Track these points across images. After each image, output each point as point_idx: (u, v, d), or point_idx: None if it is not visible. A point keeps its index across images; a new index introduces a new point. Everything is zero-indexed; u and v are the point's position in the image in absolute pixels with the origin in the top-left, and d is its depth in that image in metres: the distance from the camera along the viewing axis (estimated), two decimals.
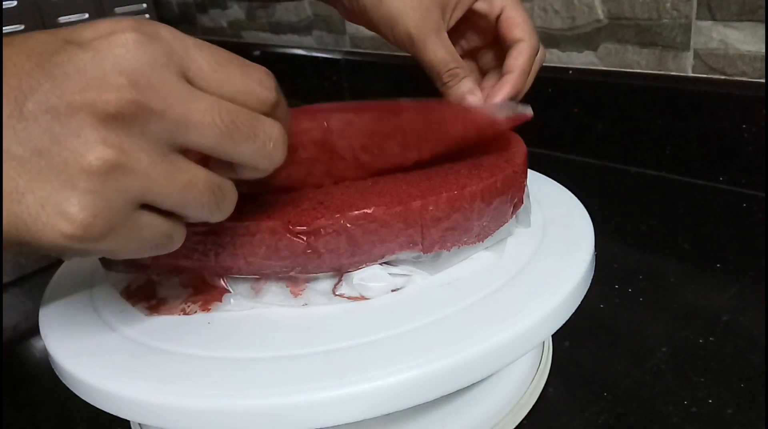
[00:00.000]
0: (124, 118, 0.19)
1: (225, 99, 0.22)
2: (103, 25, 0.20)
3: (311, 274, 0.29)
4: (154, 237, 0.22)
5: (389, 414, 0.25)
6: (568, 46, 0.70)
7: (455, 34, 0.41)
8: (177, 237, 0.23)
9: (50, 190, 0.19)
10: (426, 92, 0.42)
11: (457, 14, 0.38)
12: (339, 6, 0.41)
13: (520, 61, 0.37)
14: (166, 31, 0.21)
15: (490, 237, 0.31)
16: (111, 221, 0.20)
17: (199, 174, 0.22)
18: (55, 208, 0.19)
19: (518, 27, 0.37)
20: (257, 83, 0.23)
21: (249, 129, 0.22)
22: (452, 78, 0.37)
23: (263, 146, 0.22)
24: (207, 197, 0.22)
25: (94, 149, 0.19)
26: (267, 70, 0.23)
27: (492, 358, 0.25)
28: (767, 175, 0.56)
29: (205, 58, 0.22)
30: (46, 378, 0.42)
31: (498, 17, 0.38)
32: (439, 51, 0.36)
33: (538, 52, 0.38)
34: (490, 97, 0.36)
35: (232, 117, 0.21)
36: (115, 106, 0.19)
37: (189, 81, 0.21)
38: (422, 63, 0.37)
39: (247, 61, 0.23)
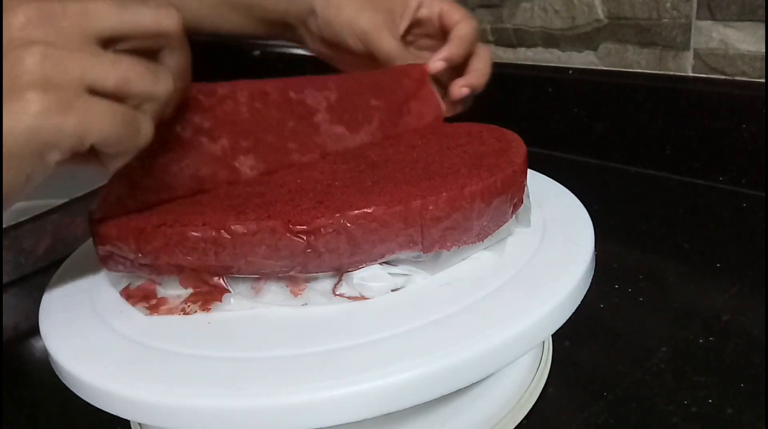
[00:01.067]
0: (34, 21, 0.23)
1: None
2: None
3: (311, 274, 0.29)
4: (116, 114, 0.24)
5: (389, 414, 0.25)
6: (568, 46, 0.70)
7: (411, 46, 0.47)
8: (143, 122, 0.26)
9: (5, 95, 0.23)
10: None
11: (405, 22, 0.45)
12: (306, 37, 0.49)
13: (459, 33, 0.44)
14: None
15: (490, 237, 0.31)
16: (64, 96, 0.23)
17: (123, 56, 0.25)
18: (14, 103, 0.23)
19: (456, 13, 0.44)
20: None
21: (137, 1, 0.26)
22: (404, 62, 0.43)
23: (157, 8, 0.26)
24: (142, 68, 0.25)
25: (24, 50, 0.23)
26: None
27: (492, 358, 0.25)
28: (767, 175, 0.56)
29: None
30: (46, 378, 0.42)
31: (439, 15, 0.45)
32: (391, 41, 0.43)
33: (476, 31, 0.45)
34: (430, 61, 0.43)
35: None
36: (23, 15, 0.23)
37: None
38: (378, 55, 0.44)
39: None
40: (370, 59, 0.44)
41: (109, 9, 0.25)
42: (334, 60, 0.49)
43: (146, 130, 0.26)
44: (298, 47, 1.09)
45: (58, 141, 0.24)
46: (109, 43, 0.25)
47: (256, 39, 0.54)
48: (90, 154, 0.26)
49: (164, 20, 0.26)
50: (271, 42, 1.15)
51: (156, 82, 0.26)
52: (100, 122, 0.24)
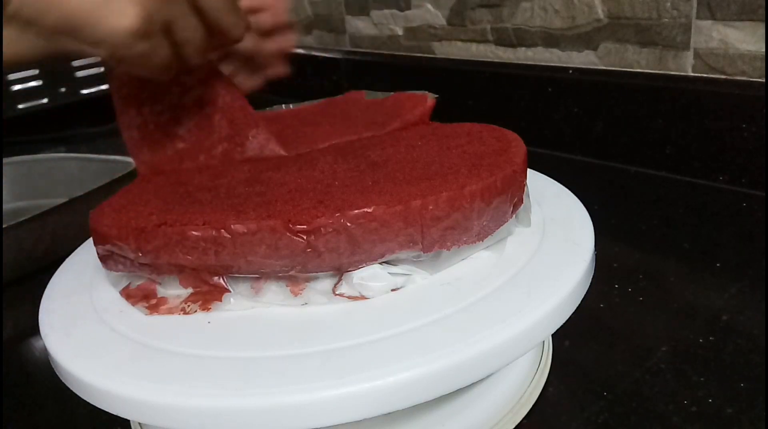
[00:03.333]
0: None
1: None
2: None
3: (311, 274, 0.29)
4: (162, 57, 0.30)
5: (389, 414, 0.25)
6: (568, 46, 0.70)
7: None
8: (169, 65, 0.31)
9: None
10: (426, 90, 0.42)
11: None
12: None
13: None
14: None
15: (490, 236, 0.31)
16: (151, 28, 0.28)
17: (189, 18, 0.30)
18: (117, 9, 0.27)
19: None
20: None
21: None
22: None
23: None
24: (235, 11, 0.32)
25: None
26: None
27: (492, 358, 0.25)
28: (767, 175, 0.56)
29: None
30: (46, 378, 0.42)
31: None
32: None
33: None
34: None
35: None
36: None
37: None
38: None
39: None
40: None
41: None
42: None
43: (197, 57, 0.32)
44: (297, 47, 1.09)
45: (120, 55, 0.28)
46: None
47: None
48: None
49: None
50: None
51: (235, 27, 0.32)
52: (158, 55, 0.29)
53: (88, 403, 0.26)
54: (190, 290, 0.30)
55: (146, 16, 0.28)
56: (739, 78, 0.58)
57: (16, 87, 1.00)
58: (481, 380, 0.27)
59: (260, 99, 0.43)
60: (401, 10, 0.88)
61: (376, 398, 0.24)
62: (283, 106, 0.45)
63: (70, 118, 1.03)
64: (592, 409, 0.33)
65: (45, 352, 0.29)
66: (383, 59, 0.93)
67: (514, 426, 0.32)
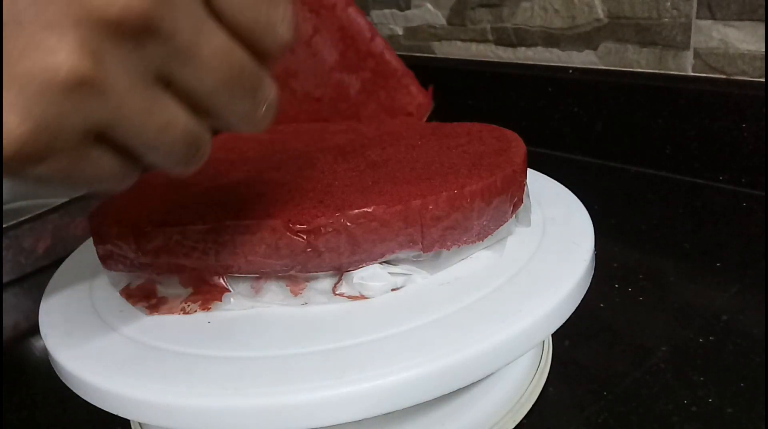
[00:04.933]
0: (121, 30, 0.15)
1: (242, 28, 0.18)
2: None
3: (311, 273, 0.29)
4: (100, 174, 0.18)
5: (389, 413, 0.25)
6: (568, 46, 0.70)
7: None
8: (127, 179, 0.19)
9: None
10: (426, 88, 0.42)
11: None
12: None
13: None
14: None
15: (490, 236, 0.31)
16: (54, 145, 0.16)
17: (179, 118, 0.18)
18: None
19: None
20: (281, 18, 0.19)
21: (250, 86, 0.19)
22: None
23: (255, 109, 0.20)
24: (180, 146, 0.18)
25: (68, 53, 0.15)
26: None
27: (492, 358, 0.25)
28: (767, 175, 0.56)
29: None
30: (46, 378, 0.42)
31: None
32: None
33: None
34: None
35: (240, 66, 0.18)
36: (119, 13, 0.15)
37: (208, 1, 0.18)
38: None
39: None
40: None
41: (214, 76, 0.18)
42: None
43: (125, 184, 0.19)
44: None
45: (14, 175, 0.16)
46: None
47: None
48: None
49: (249, 126, 0.20)
50: None
51: (181, 164, 0.19)
52: (74, 178, 0.17)
53: (88, 403, 0.26)
54: (190, 290, 0.30)
55: (38, 129, 0.15)
56: (739, 78, 0.58)
57: None
58: (481, 380, 0.27)
59: None
60: (401, 9, 0.88)
61: (376, 398, 0.24)
62: None
63: None
64: (592, 409, 0.33)
65: (45, 352, 0.29)
66: None
67: (514, 426, 0.32)
